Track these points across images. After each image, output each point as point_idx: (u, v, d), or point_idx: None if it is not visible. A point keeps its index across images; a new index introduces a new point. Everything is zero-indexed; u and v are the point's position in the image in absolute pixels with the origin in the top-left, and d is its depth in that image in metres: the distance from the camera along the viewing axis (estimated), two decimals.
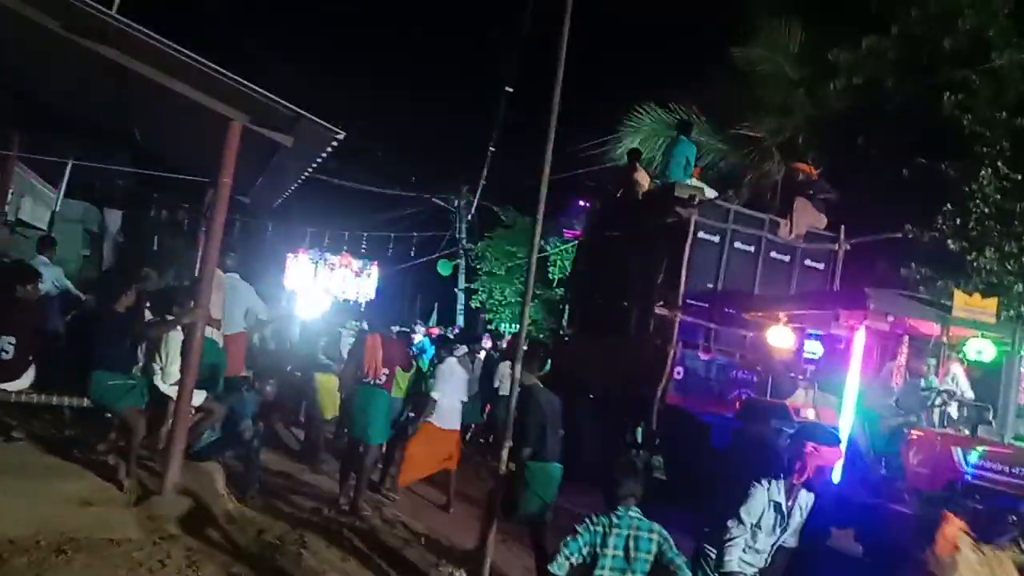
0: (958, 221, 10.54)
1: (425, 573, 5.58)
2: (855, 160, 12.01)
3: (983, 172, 10.30)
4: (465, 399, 8.01)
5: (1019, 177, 10.17)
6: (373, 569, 5.44)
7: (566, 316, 12.96)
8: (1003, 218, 10.25)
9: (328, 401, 9.03)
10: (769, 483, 4.51)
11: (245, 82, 5.42)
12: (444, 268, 24.72)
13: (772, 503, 4.49)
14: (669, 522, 5.41)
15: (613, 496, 3.78)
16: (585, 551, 3.73)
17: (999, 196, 10.29)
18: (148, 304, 6.58)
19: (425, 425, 7.56)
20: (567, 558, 3.72)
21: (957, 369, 8.31)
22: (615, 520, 3.75)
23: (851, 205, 10.79)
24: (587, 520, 3.80)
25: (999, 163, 10.30)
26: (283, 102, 5.55)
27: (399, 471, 7.72)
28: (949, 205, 10.62)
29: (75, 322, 7.24)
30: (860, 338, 7.28)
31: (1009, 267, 10.10)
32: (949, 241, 10.54)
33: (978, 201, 10.37)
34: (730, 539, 4.42)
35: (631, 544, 3.74)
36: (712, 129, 14.50)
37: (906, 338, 7.44)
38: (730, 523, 4.47)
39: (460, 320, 25.05)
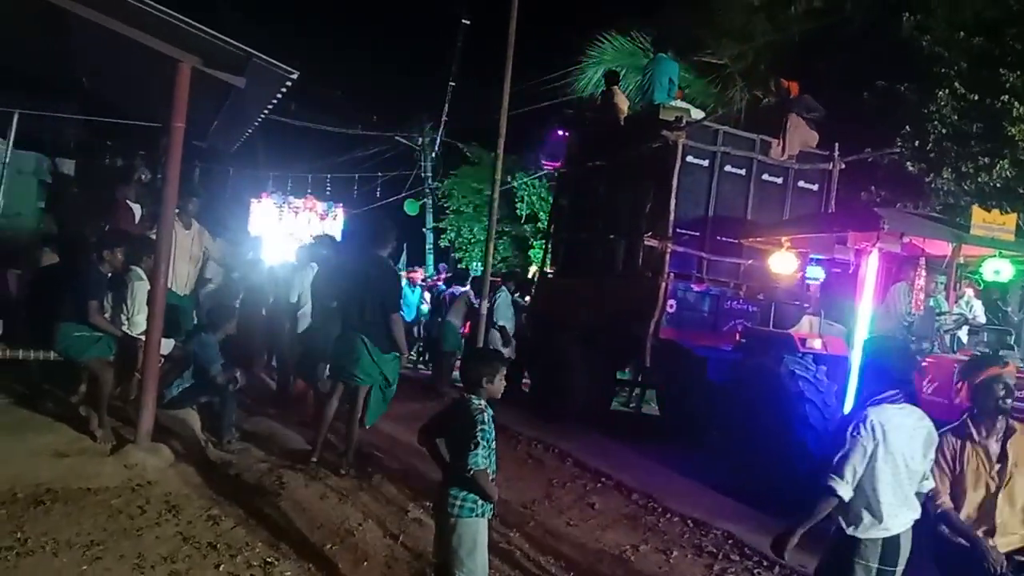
0: (916, 143, 10.64)
1: (403, 508, 5.70)
2: (816, 85, 12.01)
3: (941, 93, 10.35)
4: None
5: (976, 97, 10.21)
6: (352, 506, 5.54)
7: (549, 254, 12.52)
8: (960, 139, 10.36)
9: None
10: None
11: (193, 22, 5.28)
12: (411, 208, 24.52)
13: None
14: (663, 459, 5.49)
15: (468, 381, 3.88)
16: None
17: (956, 117, 10.37)
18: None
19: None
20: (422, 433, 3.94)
21: (969, 292, 8.21)
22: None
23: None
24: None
25: (957, 84, 10.35)
26: (232, 42, 5.42)
27: None
28: (908, 127, 10.69)
29: (39, 276, 7.15)
30: (872, 261, 6.81)
31: (966, 188, 10.25)
32: (908, 163, 10.66)
33: (936, 123, 10.44)
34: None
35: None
36: (675, 56, 14.39)
37: (923, 260, 7.11)
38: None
39: (429, 260, 25.01)
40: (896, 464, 3.43)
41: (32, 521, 4.61)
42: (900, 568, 3.46)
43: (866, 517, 3.44)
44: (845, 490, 3.42)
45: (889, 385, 3.55)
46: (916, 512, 3.52)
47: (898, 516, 3.44)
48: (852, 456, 3.41)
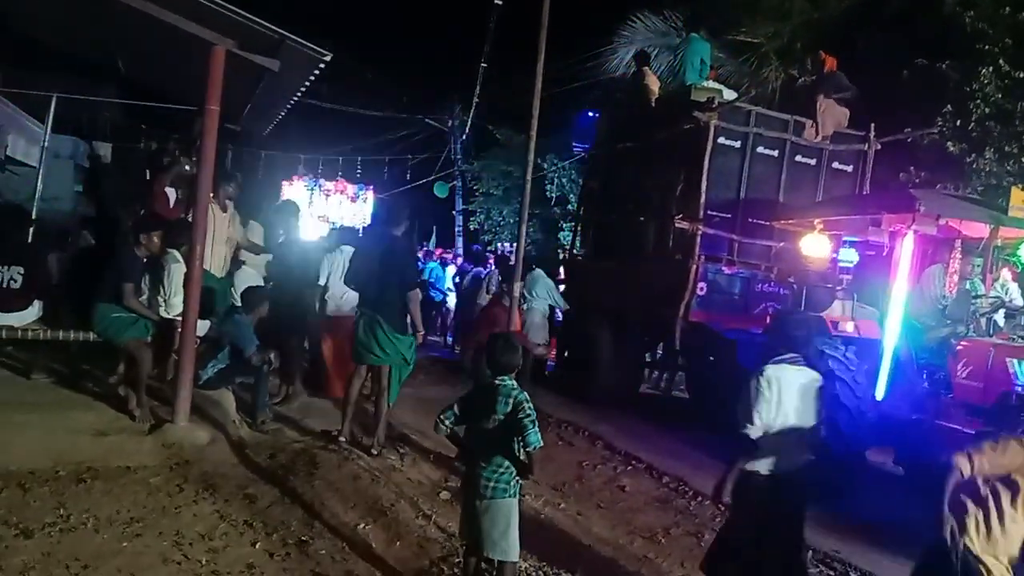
0: (958, 123, 10.39)
1: (435, 489, 5.74)
2: (855, 64, 11.74)
3: (984, 71, 10.08)
4: None
5: (1021, 75, 9.95)
6: (384, 486, 5.59)
7: (579, 236, 12.55)
8: (1004, 118, 10.10)
9: None
10: None
11: (227, 5, 5.30)
12: (440, 190, 24.52)
13: None
14: (693, 442, 5.50)
15: (496, 367, 3.89)
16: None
17: (1000, 96, 10.12)
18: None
19: None
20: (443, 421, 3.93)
21: (1006, 275, 8.05)
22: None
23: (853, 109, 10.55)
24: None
25: (1001, 61, 10.08)
26: (267, 24, 5.44)
27: None
28: (949, 107, 10.44)
29: (77, 258, 7.28)
30: (908, 244, 6.73)
31: (1009, 168, 10.01)
32: (949, 143, 10.42)
33: (979, 101, 10.19)
34: None
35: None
36: (707, 36, 14.16)
37: (958, 242, 7.03)
38: None
39: (459, 242, 25.03)
40: (785, 414, 3.91)
41: (74, 498, 4.71)
42: (780, 502, 3.93)
43: (763, 454, 3.95)
44: (755, 432, 3.93)
45: (790, 349, 4.04)
46: (806, 456, 4.00)
47: (782, 457, 3.95)
48: (755, 404, 3.91)
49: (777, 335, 4.21)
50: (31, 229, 7.88)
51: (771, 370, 3.96)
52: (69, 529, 4.32)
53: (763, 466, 3.95)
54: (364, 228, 17.75)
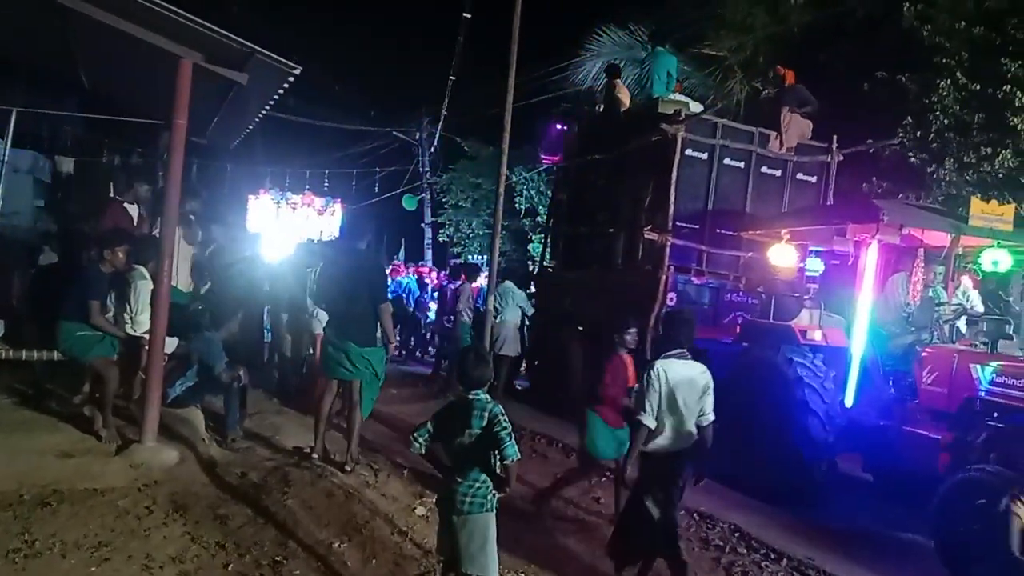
0: (918, 134, 10.61)
1: (410, 505, 5.69)
2: (817, 76, 11.96)
3: (943, 83, 10.32)
4: None
5: (978, 88, 10.19)
6: (358, 504, 5.52)
7: (549, 248, 12.58)
8: (962, 129, 10.33)
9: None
10: None
11: (195, 18, 5.23)
12: (409, 203, 24.45)
13: None
14: None
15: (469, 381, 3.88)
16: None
17: (958, 107, 10.35)
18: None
19: None
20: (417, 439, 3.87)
21: (967, 282, 8.20)
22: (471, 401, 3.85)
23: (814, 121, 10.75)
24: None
25: (958, 74, 10.32)
26: (235, 38, 5.37)
27: None
28: (909, 118, 10.66)
29: (40, 275, 7.12)
30: (872, 253, 6.85)
31: (968, 178, 10.23)
32: (910, 154, 10.63)
33: (938, 113, 10.42)
34: None
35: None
36: (672, 50, 14.35)
37: (921, 251, 7.12)
38: None
39: (428, 255, 24.97)
40: (673, 403, 4.49)
41: (39, 522, 4.58)
42: (667, 476, 4.54)
43: (656, 436, 4.53)
44: (649, 420, 4.51)
45: (677, 346, 4.63)
46: (692, 438, 4.56)
47: (669, 439, 4.53)
48: (648, 395, 4.51)
49: (666, 334, 4.78)
50: None
51: (660, 364, 4.56)
52: (35, 555, 4.19)
53: (658, 446, 4.54)
54: (325, 243, 17.62)
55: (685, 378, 4.53)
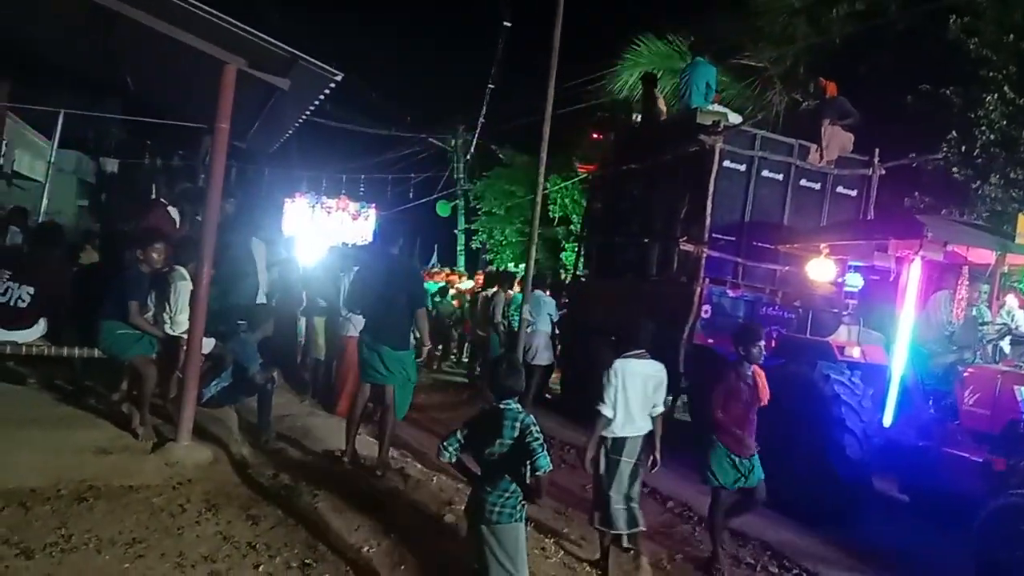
0: (963, 148, 10.42)
1: (440, 512, 5.67)
2: (858, 88, 11.80)
3: (989, 98, 10.13)
4: None
5: None
6: (389, 509, 5.52)
7: (583, 257, 12.53)
8: (1009, 145, 10.13)
9: (322, 343, 9.24)
10: None
11: (240, 24, 5.30)
12: (443, 209, 24.59)
13: None
14: (697, 466, 5.66)
15: (501, 391, 3.89)
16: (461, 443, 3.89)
17: (1005, 122, 10.15)
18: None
19: None
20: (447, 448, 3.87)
21: (1013, 302, 8.04)
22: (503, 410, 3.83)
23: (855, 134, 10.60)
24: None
25: (1005, 88, 10.13)
26: (279, 44, 5.43)
27: None
28: (954, 132, 10.47)
29: (82, 274, 7.24)
30: (915, 269, 6.74)
31: (1014, 195, 10.02)
32: (954, 169, 10.44)
33: (983, 128, 10.23)
34: None
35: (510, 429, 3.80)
36: (711, 60, 14.25)
37: (965, 269, 7.04)
38: None
39: (461, 261, 25.03)
40: (628, 396, 5.08)
41: (76, 517, 4.65)
42: (624, 459, 5.13)
43: (614, 425, 5.10)
44: (608, 411, 5.07)
45: (636, 347, 5.22)
46: (648, 427, 5.17)
47: (627, 427, 5.12)
48: (606, 390, 5.08)
49: (630, 337, 5.33)
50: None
51: (618, 364, 5.15)
52: (71, 549, 4.26)
53: (615, 433, 5.13)
54: (359, 247, 17.76)
55: (641, 375, 5.15)
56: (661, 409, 5.21)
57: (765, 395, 5.44)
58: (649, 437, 5.20)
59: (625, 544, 5.29)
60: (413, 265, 7.03)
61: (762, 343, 5.57)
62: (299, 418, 7.78)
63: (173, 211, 8.35)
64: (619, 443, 5.13)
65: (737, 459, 5.40)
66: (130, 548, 4.36)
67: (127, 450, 5.72)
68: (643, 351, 5.22)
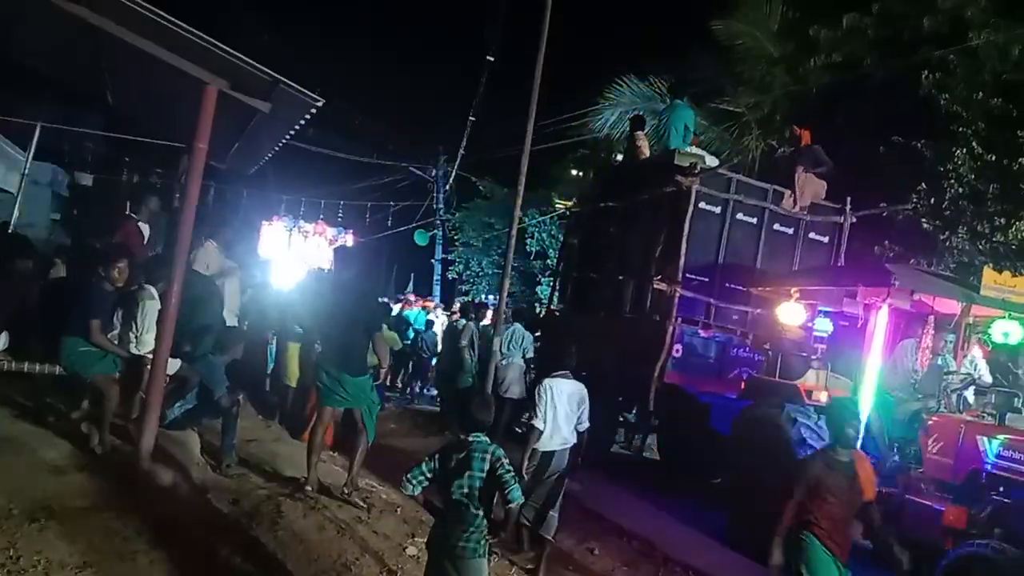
0: (932, 200, 10.62)
1: (401, 544, 5.60)
2: (833, 137, 12.04)
3: (958, 152, 10.35)
4: None
5: (993, 158, 10.20)
6: (349, 539, 5.44)
7: (557, 291, 12.56)
8: (976, 198, 10.34)
9: (295, 369, 9.04)
10: None
11: (223, 46, 5.31)
12: (421, 238, 24.57)
13: None
14: (663, 505, 5.81)
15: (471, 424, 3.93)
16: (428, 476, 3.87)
17: (973, 176, 10.36)
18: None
19: None
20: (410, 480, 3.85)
21: (977, 352, 8.16)
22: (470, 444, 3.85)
23: (828, 182, 10.78)
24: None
25: (974, 143, 10.35)
26: (261, 67, 5.45)
27: None
28: (924, 184, 10.69)
29: (49, 289, 7.13)
30: (882, 317, 6.81)
31: (980, 247, 10.20)
32: (923, 220, 10.63)
33: (952, 181, 10.43)
34: None
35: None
36: (690, 103, 14.46)
37: (931, 318, 7.11)
38: None
39: (437, 290, 25.00)
40: (556, 411, 6.02)
41: (26, 538, 4.51)
42: (550, 469, 5.99)
43: (543, 437, 6.00)
44: (540, 424, 5.98)
45: (563, 368, 6.27)
46: (572, 440, 6.10)
47: (555, 438, 6.02)
48: (538, 406, 6.02)
49: (556, 360, 6.47)
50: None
51: (547, 382, 6.13)
52: (18, 571, 4.14)
53: (545, 445, 5.98)
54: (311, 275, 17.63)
55: (567, 392, 6.09)
56: (586, 425, 6.15)
57: (871, 490, 4.45)
58: (574, 450, 6.09)
59: (527, 544, 5.97)
60: (369, 289, 7.04)
61: (858, 423, 4.76)
62: (264, 443, 7.67)
63: (145, 227, 8.26)
64: (547, 456, 5.97)
65: (840, 565, 4.34)
66: (80, 572, 4.25)
67: (84, 470, 5.59)
68: (567, 372, 6.21)
